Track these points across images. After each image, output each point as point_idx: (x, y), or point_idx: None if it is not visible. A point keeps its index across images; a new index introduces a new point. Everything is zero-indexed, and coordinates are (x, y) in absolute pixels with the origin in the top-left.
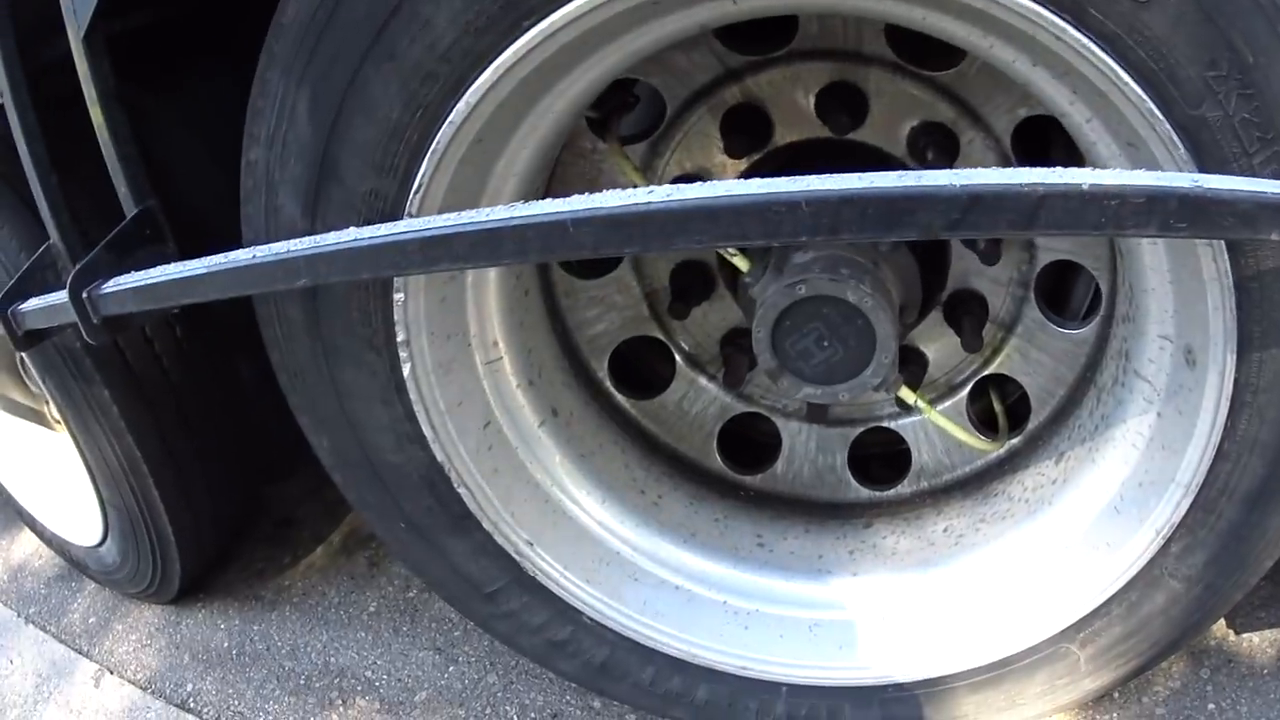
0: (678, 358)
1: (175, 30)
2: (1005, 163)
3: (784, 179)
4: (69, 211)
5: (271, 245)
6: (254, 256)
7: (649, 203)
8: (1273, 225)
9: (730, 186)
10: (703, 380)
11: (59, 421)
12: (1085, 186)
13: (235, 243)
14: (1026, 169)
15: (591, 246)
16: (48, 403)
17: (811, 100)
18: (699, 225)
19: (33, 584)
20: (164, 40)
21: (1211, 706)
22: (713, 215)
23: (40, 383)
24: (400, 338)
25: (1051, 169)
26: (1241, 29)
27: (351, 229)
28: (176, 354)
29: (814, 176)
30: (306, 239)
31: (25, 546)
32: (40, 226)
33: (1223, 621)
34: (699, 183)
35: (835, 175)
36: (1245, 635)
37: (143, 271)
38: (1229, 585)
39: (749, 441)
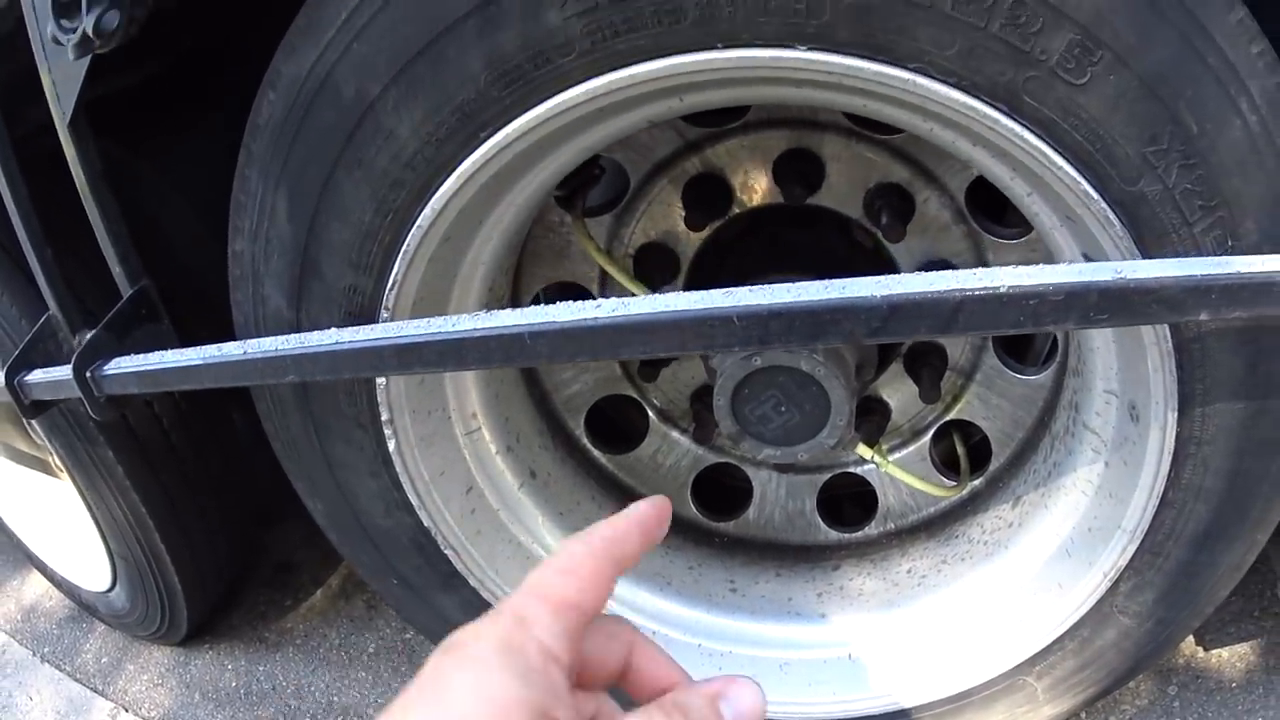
0: (650, 414)
1: (161, 89)
2: (960, 218)
3: (718, 292)
4: (66, 283)
5: (261, 342)
6: (245, 352)
7: (596, 317)
8: (1201, 307)
9: (669, 301)
10: (675, 434)
11: (62, 471)
12: (1003, 289)
13: (223, 307)
14: (947, 274)
15: (547, 355)
16: (51, 454)
17: (769, 168)
18: (641, 338)
19: (46, 624)
20: (149, 100)
21: None
22: (653, 329)
23: (45, 440)
24: (384, 416)
25: (971, 272)
26: (1188, 99)
27: (333, 331)
28: (175, 413)
29: (745, 289)
30: (293, 338)
31: (36, 588)
32: (38, 294)
33: (1191, 638)
34: (642, 296)
35: (764, 287)
36: (1213, 651)
37: (143, 357)
38: (1182, 618)
39: (722, 489)
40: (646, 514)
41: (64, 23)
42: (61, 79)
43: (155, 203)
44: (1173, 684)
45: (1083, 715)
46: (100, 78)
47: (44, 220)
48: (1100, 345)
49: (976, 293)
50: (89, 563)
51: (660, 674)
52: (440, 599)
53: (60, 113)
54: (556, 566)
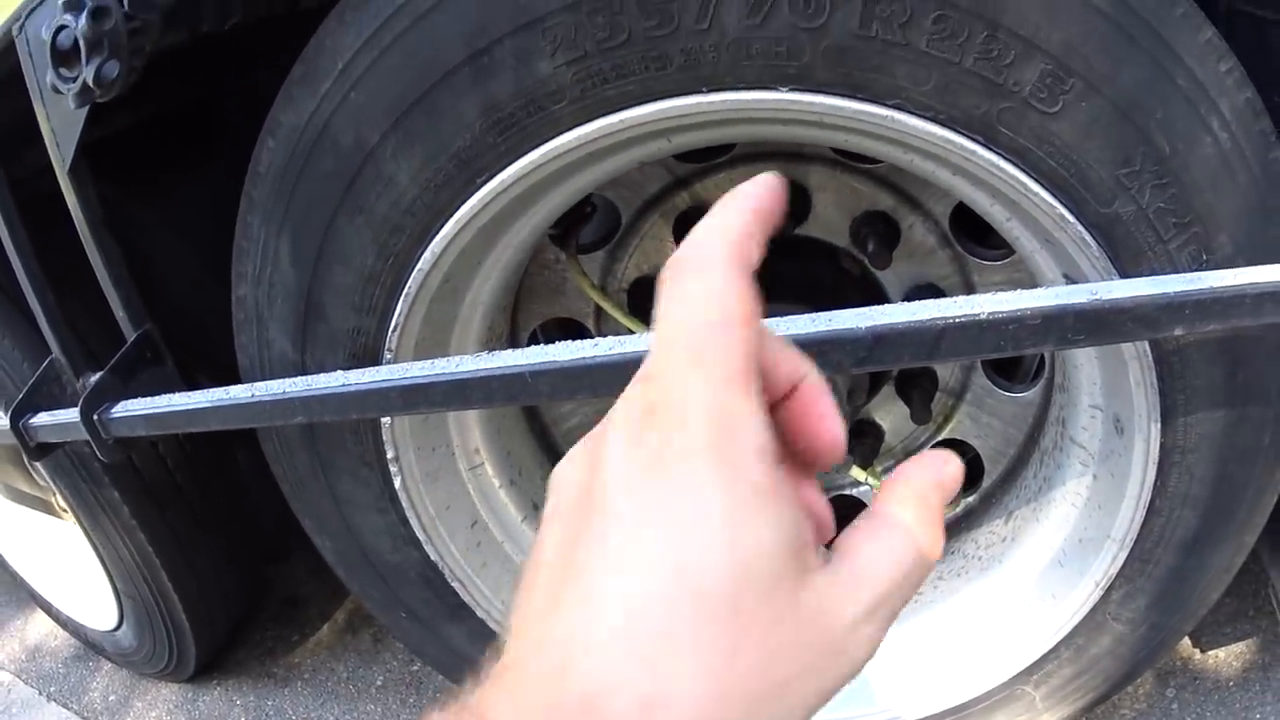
0: None
1: (160, 132)
2: (945, 242)
3: None
4: (68, 325)
5: (269, 385)
6: (253, 395)
7: (594, 355)
8: (1175, 323)
9: None
10: None
11: (65, 511)
12: (983, 316)
13: (229, 346)
14: (929, 303)
15: (548, 394)
16: (54, 494)
17: None
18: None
19: (51, 663)
20: (149, 143)
21: None
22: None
23: (49, 481)
24: (390, 454)
25: (952, 300)
26: (1159, 120)
27: (339, 374)
28: (180, 453)
29: None
30: (300, 381)
31: (41, 627)
32: (41, 337)
33: (1187, 640)
34: (638, 334)
35: None
36: (1210, 652)
37: (151, 400)
38: (1174, 622)
39: None
40: (762, 197)
41: (63, 72)
42: (60, 126)
43: (154, 245)
44: (1171, 686)
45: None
46: (99, 120)
47: (45, 262)
48: (1084, 361)
49: (957, 320)
50: (94, 601)
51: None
52: (448, 630)
53: (60, 159)
54: (715, 312)
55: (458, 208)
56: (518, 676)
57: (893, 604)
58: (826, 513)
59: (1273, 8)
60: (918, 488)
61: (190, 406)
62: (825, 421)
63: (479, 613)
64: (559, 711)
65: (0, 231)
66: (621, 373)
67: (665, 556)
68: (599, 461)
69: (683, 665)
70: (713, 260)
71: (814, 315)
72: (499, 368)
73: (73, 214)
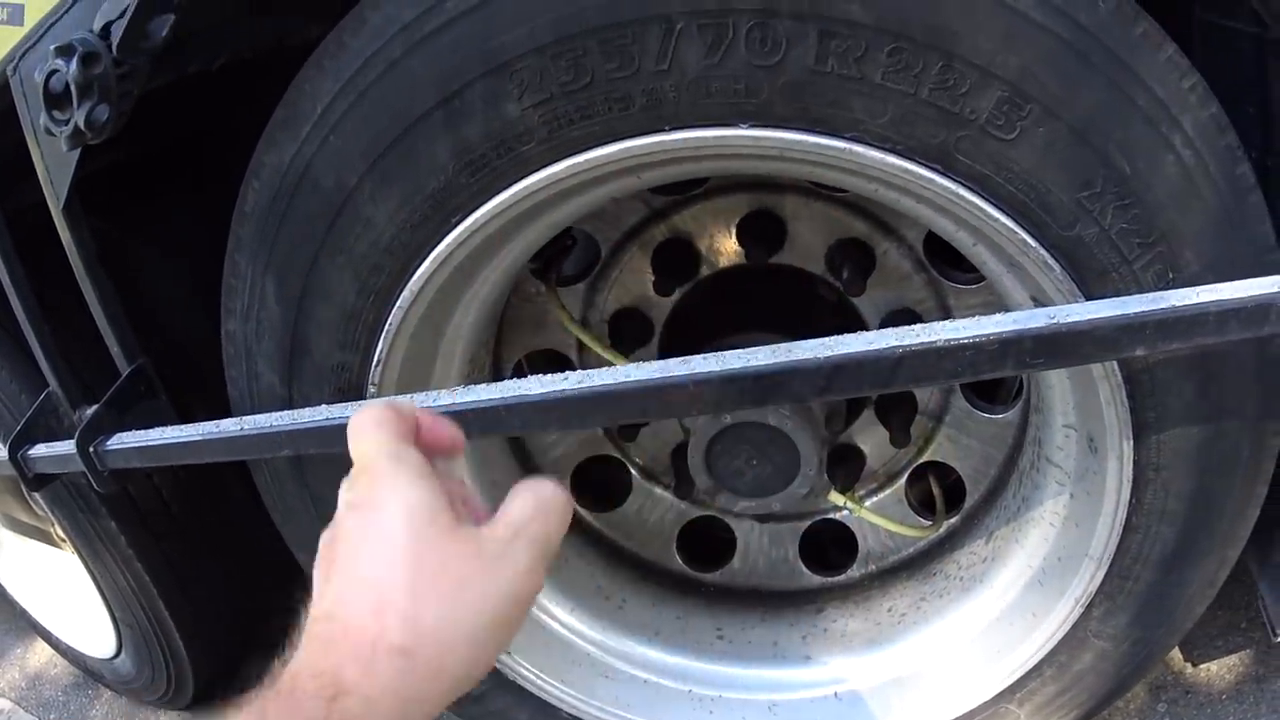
0: (633, 472)
1: (153, 166)
2: (920, 267)
3: (675, 361)
4: (64, 358)
5: (256, 419)
6: (241, 429)
7: (564, 390)
8: (1137, 343)
9: (629, 372)
10: (658, 490)
11: (64, 540)
12: (939, 343)
13: (217, 383)
14: (888, 331)
15: (520, 426)
16: (53, 524)
17: (734, 230)
18: (606, 407)
19: (51, 691)
20: (140, 180)
21: None
22: (618, 398)
23: (48, 511)
24: None
25: (910, 328)
26: (1118, 140)
27: (323, 408)
28: (175, 484)
29: (699, 358)
30: (286, 415)
31: (41, 655)
32: (38, 369)
33: (1179, 653)
34: (609, 367)
35: (716, 355)
36: (1202, 665)
37: (144, 433)
38: (1159, 636)
39: (708, 539)
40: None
41: (55, 114)
42: (54, 166)
43: (148, 278)
44: (1163, 700)
45: None
46: (93, 156)
47: (41, 295)
48: (1056, 382)
49: (914, 348)
50: (93, 630)
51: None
52: None
53: (54, 197)
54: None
55: (434, 246)
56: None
57: (532, 530)
58: (465, 491)
59: (1242, 19)
60: (528, 483)
61: (182, 439)
62: (444, 431)
63: None
64: (318, 625)
65: None
66: (592, 405)
67: (374, 525)
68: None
69: (395, 577)
70: (376, 405)
71: (774, 347)
72: (474, 402)
73: (67, 251)
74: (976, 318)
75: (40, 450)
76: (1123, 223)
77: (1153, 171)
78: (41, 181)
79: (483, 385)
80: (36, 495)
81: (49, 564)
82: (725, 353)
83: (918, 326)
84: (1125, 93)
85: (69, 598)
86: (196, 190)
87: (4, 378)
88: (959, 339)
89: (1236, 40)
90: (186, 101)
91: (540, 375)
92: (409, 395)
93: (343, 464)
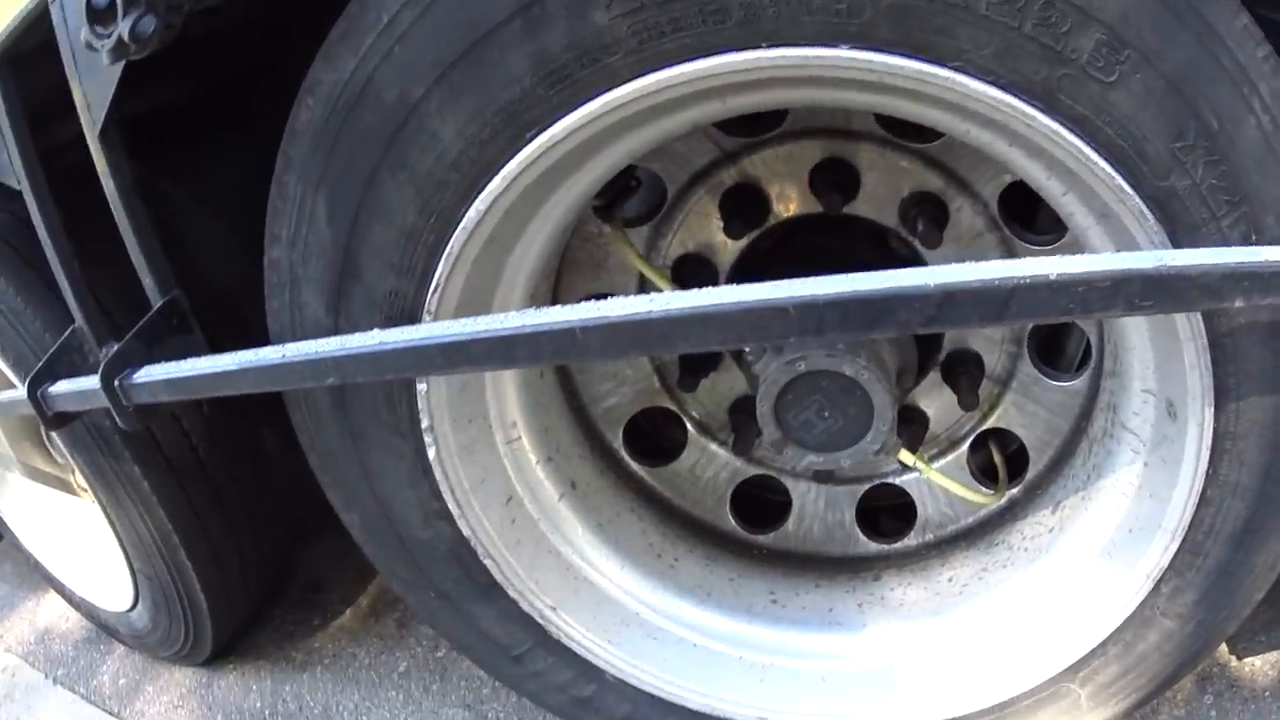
0: (689, 426)
1: (189, 112)
2: (994, 225)
3: (773, 284)
4: (93, 295)
5: (300, 345)
6: (283, 356)
7: (649, 311)
8: (1236, 294)
9: (723, 294)
10: (714, 447)
11: (84, 489)
12: (1052, 276)
13: (256, 323)
14: (998, 263)
15: (598, 351)
16: (73, 471)
17: (805, 177)
18: (696, 331)
19: (61, 647)
20: (178, 123)
21: None
22: (707, 321)
23: (67, 455)
24: (425, 424)
25: (1021, 261)
26: (1208, 97)
27: (376, 332)
28: (203, 428)
29: (800, 281)
30: (334, 340)
31: (52, 610)
32: (64, 307)
33: (1225, 648)
34: (694, 289)
35: (820, 279)
36: (1247, 660)
37: (175, 364)
38: (1220, 620)
39: (761, 502)
40: None
41: (98, 29)
42: (92, 89)
43: (185, 222)
44: (1209, 692)
45: None
46: (130, 96)
47: (70, 232)
48: (1137, 344)
49: (1028, 280)
50: (109, 582)
51: None
52: (478, 611)
53: (91, 122)
54: None
55: (505, 163)
56: None
57: None
58: None
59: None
60: None
61: (216, 369)
62: None
63: (510, 592)
64: None
65: (29, 201)
66: (679, 329)
67: None
68: None
69: None
70: None
71: (881, 273)
72: (547, 323)
73: (102, 179)
74: (1087, 255)
75: (61, 387)
76: (1212, 178)
77: (1237, 131)
78: (79, 109)
79: (557, 307)
80: (57, 440)
81: (66, 514)
82: (829, 276)
83: (1030, 260)
84: (1211, 50)
85: (85, 548)
86: (238, 134)
87: (28, 315)
88: (1073, 274)
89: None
90: (223, 46)
91: (621, 296)
92: (474, 318)
93: (390, 400)
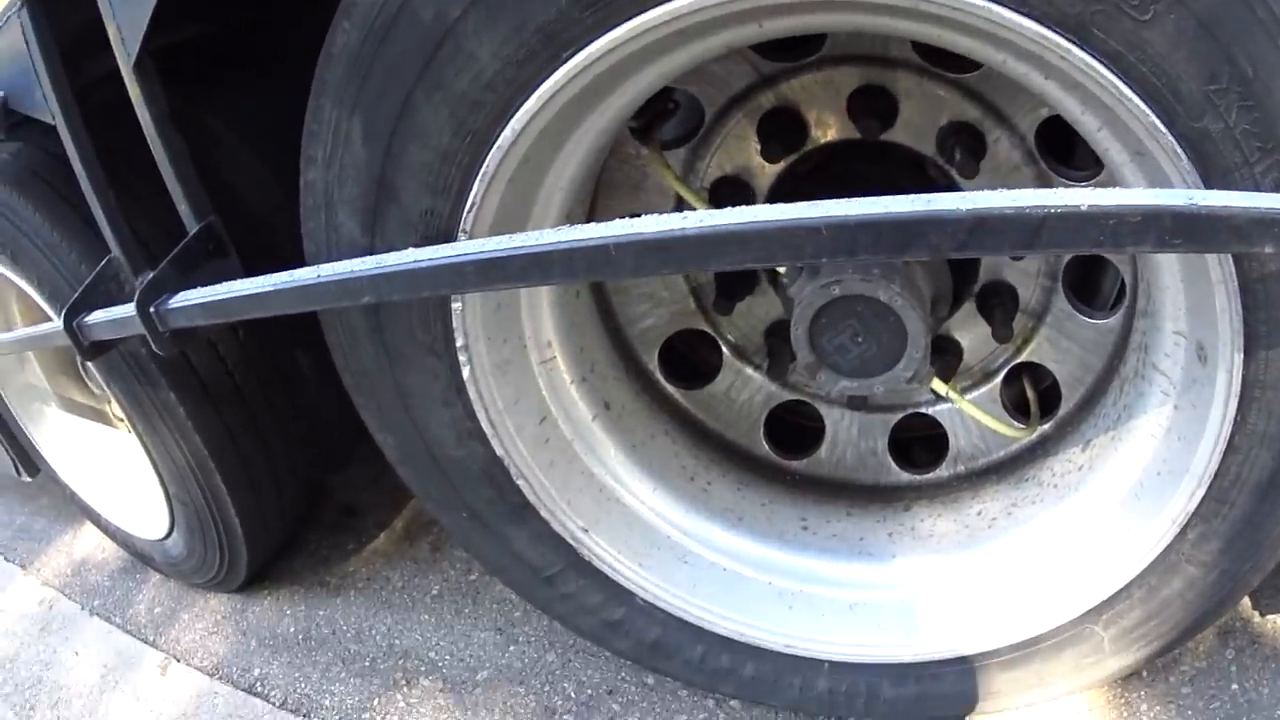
0: (724, 349)
1: (221, 44)
2: (1030, 159)
3: (807, 205)
4: (128, 226)
5: (335, 265)
6: (319, 276)
7: (684, 228)
8: (1267, 239)
9: (757, 212)
10: (749, 370)
11: (121, 420)
12: (1084, 207)
13: (290, 249)
14: (1030, 191)
15: (632, 268)
16: (109, 402)
17: (843, 103)
18: (730, 249)
19: (96, 577)
20: (210, 54)
21: (1235, 687)
22: (742, 240)
23: (104, 386)
24: (459, 343)
25: (1052, 190)
26: (1242, 43)
27: (411, 250)
28: (239, 354)
29: (833, 202)
30: (369, 259)
31: (88, 541)
32: (99, 239)
33: (1249, 603)
34: (729, 208)
35: (853, 200)
36: (1270, 617)
37: (211, 288)
38: (1244, 571)
39: (794, 427)
40: None
41: None
42: (126, 22)
43: (219, 153)
44: (1230, 647)
45: (1143, 673)
46: (163, 28)
47: (105, 163)
48: (1170, 284)
49: (1059, 210)
50: (145, 510)
51: None
52: (510, 532)
53: (126, 55)
54: None
55: (540, 83)
56: None
57: None
58: None
59: None
60: None
61: (253, 291)
62: None
63: (543, 513)
64: None
65: (64, 135)
66: (713, 246)
67: None
68: None
69: None
70: None
71: (914, 196)
72: (582, 239)
73: (137, 109)
74: (1119, 189)
75: (98, 316)
76: (1245, 123)
77: (1271, 79)
78: (113, 42)
79: (591, 224)
80: (93, 371)
81: (101, 445)
82: (862, 199)
83: (1062, 190)
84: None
85: (121, 478)
86: (271, 64)
87: (63, 249)
88: (1104, 207)
89: None
90: None
91: (655, 214)
92: (509, 236)
93: (425, 319)
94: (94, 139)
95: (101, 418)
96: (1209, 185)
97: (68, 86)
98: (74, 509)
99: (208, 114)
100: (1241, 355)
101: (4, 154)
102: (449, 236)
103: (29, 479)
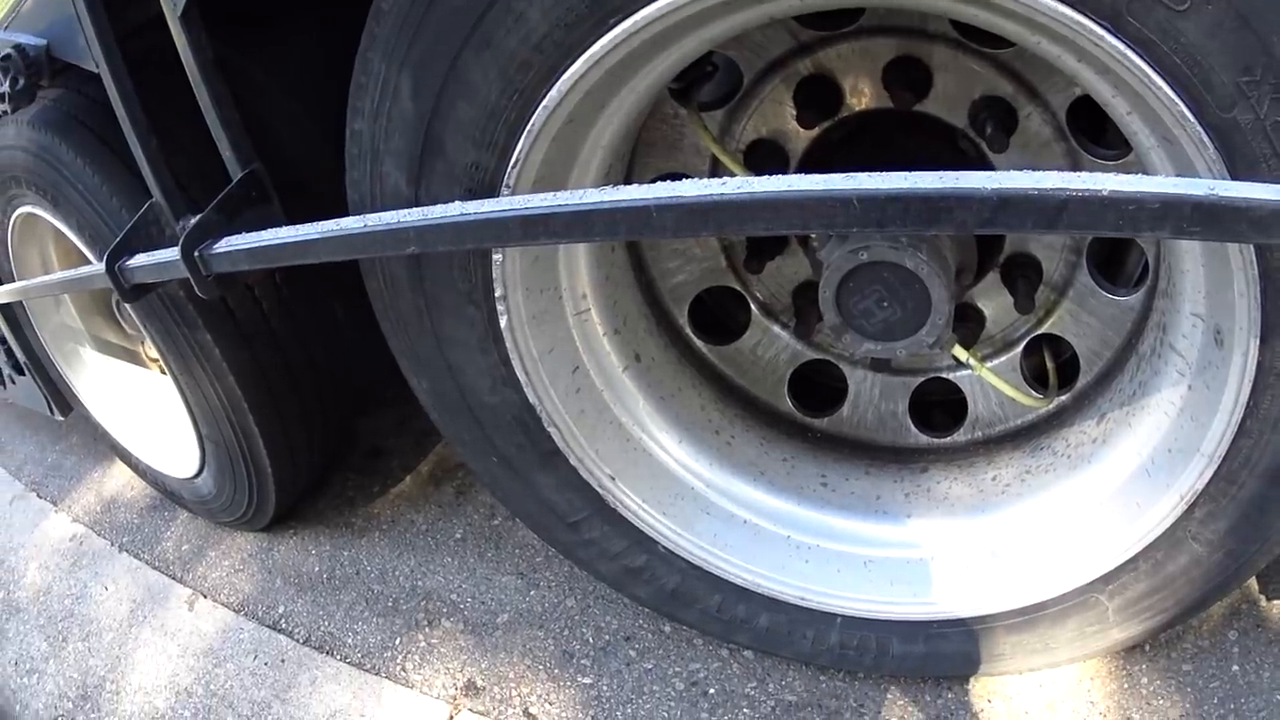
0: (753, 307)
1: None
2: (1061, 135)
3: (840, 176)
4: (170, 171)
5: (382, 215)
6: (365, 225)
7: (722, 194)
8: None
9: (792, 181)
10: (776, 328)
11: (155, 360)
12: (1105, 192)
13: (330, 198)
14: (1054, 173)
15: (672, 229)
16: (143, 343)
17: (879, 73)
18: (765, 215)
19: (126, 515)
20: (255, 4)
21: (1235, 669)
22: (776, 207)
23: (140, 327)
24: (498, 293)
25: (1076, 174)
26: (1279, 34)
27: (457, 204)
28: (276, 298)
29: (865, 175)
30: (416, 211)
31: (118, 479)
32: (139, 184)
33: (1255, 587)
34: (765, 176)
35: (884, 174)
36: (1276, 602)
37: (256, 234)
38: (1250, 553)
39: (817, 386)
40: None
41: None
42: None
43: (265, 102)
44: (1234, 628)
45: (1146, 647)
46: None
47: (148, 109)
48: (1190, 268)
49: (1080, 193)
50: (176, 450)
51: None
52: (538, 478)
53: (172, 4)
54: None
55: (588, 46)
56: None
57: None
58: None
59: None
60: None
61: (298, 238)
62: None
63: (571, 460)
64: None
65: (106, 81)
66: (749, 212)
67: None
68: None
69: None
70: None
71: (942, 173)
72: (624, 200)
73: (182, 56)
74: (1141, 176)
75: (140, 259)
76: (1277, 116)
77: None
78: None
79: (633, 186)
80: (129, 313)
81: (134, 385)
82: (892, 172)
83: (1084, 174)
84: None
85: (153, 418)
86: (316, 14)
87: (104, 194)
88: (1124, 192)
89: None
90: None
91: (695, 178)
92: (553, 194)
93: (465, 269)
94: (135, 86)
95: (134, 358)
96: (1234, 175)
97: (110, 33)
98: (104, 447)
99: (250, 61)
100: (1258, 341)
101: (46, 100)
102: (493, 190)
103: (61, 418)
